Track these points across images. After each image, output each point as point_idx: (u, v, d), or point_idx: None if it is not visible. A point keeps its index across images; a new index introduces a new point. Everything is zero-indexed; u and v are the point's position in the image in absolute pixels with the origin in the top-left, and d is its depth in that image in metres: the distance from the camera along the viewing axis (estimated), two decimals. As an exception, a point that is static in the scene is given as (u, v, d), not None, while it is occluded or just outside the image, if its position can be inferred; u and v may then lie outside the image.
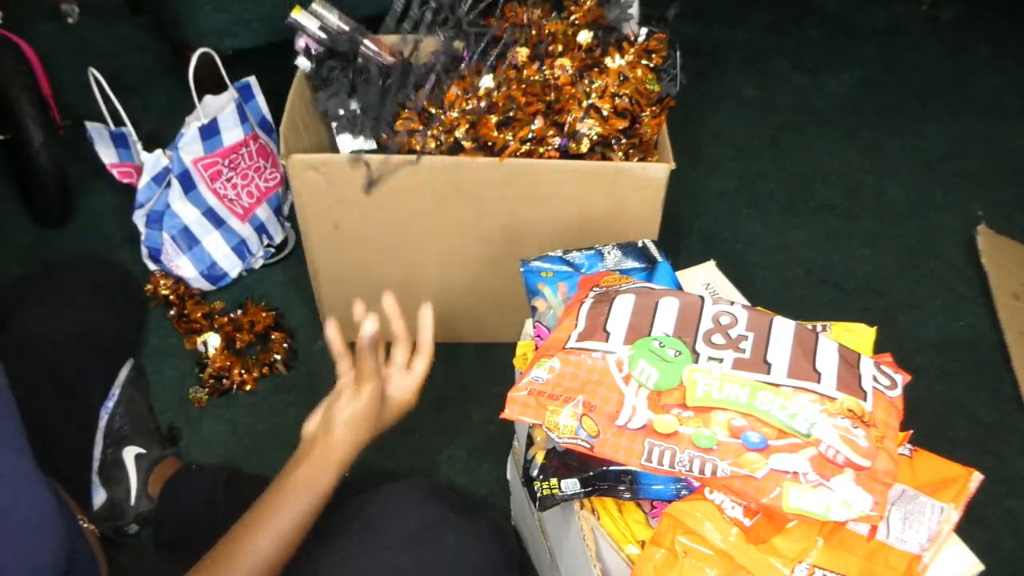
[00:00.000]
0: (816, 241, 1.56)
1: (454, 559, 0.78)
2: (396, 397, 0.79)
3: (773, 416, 0.60)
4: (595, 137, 1.06)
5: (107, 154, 1.35)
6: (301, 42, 1.20)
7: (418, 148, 1.08)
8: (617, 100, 1.06)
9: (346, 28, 1.20)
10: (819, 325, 0.75)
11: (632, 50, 1.08)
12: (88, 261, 1.22)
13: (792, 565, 0.61)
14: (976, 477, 0.65)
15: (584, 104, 1.05)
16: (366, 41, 1.20)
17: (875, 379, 0.65)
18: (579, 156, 1.08)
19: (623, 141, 1.09)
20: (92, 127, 1.35)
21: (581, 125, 1.05)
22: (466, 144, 1.07)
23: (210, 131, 1.32)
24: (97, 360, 1.10)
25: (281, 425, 1.22)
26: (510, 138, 1.05)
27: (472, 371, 1.29)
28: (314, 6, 1.19)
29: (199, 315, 1.33)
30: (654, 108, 1.09)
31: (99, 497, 1.06)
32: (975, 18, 2.17)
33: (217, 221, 1.37)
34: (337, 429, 0.75)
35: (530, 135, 1.06)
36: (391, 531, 0.79)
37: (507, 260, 1.07)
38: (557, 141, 1.07)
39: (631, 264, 0.82)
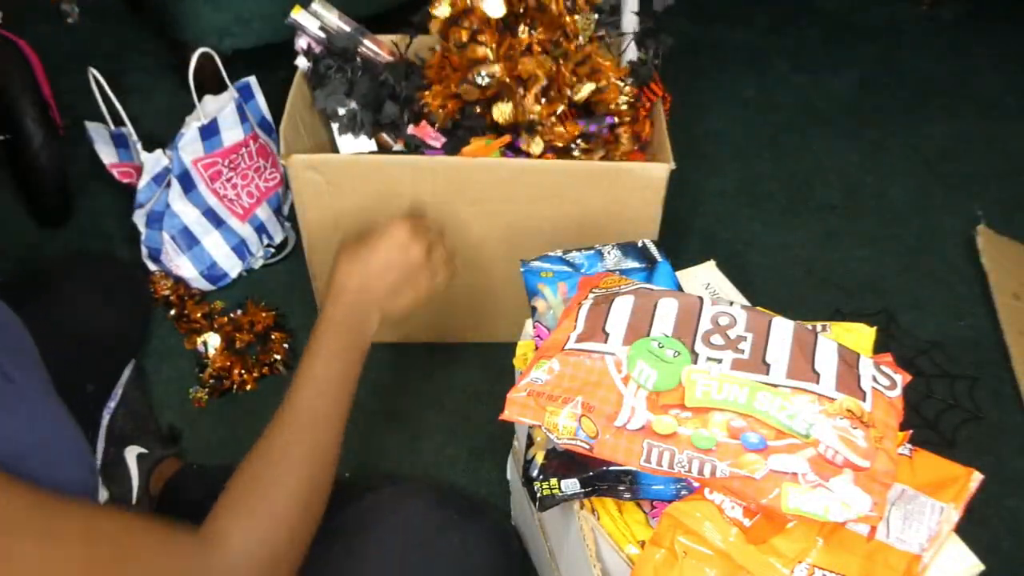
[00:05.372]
0: (816, 241, 1.56)
1: (458, 562, 0.78)
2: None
3: (772, 417, 0.60)
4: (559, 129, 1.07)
5: (107, 154, 1.35)
6: (301, 42, 1.20)
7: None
8: (579, 67, 1.06)
9: (346, 28, 1.20)
10: (819, 325, 0.75)
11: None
12: (92, 259, 1.21)
13: (792, 565, 0.61)
14: (976, 477, 0.65)
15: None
16: (365, 41, 1.20)
17: (874, 379, 0.65)
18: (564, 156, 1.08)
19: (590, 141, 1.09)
20: (92, 127, 1.35)
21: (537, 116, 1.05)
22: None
23: (210, 131, 1.32)
24: (100, 359, 1.09)
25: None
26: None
27: (472, 371, 1.29)
28: (314, 6, 1.19)
29: (199, 315, 1.33)
30: (626, 80, 1.08)
31: (101, 496, 1.06)
32: (975, 18, 2.17)
33: (217, 221, 1.37)
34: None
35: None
36: (394, 534, 0.78)
37: (507, 260, 1.07)
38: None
39: (631, 264, 0.82)
